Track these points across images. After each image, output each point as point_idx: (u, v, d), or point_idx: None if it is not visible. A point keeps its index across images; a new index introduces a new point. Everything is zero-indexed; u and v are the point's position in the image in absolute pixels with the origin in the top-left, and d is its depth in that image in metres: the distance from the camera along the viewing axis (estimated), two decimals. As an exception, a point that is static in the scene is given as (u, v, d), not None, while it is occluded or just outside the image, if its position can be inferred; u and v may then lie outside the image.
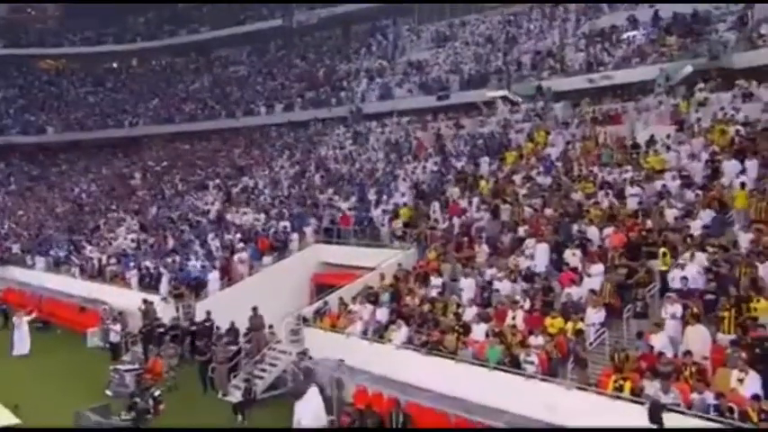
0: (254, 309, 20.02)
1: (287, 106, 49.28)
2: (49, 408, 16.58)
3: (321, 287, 25.10)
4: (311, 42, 61.90)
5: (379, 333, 17.11)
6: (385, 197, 26.68)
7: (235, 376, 18.16)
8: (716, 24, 32.29)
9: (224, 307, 22.26)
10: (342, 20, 58.36)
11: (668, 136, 23.80)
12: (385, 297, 18.54)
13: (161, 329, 21.08)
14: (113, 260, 28.87)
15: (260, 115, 50.71)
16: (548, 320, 14.83)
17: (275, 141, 45.10)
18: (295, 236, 25.70)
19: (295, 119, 47.51)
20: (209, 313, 21.49)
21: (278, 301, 23.79)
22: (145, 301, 22.53)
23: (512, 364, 13.82)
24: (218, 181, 38.80)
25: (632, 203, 19.61)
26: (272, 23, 60.75)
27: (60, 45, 68.61)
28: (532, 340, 14.36)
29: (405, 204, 25.56)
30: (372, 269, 22.84)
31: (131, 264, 27.33)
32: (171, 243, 29.10)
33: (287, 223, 26.89)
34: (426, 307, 17.29)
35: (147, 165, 49.80)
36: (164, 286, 24.26)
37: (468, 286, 17.19)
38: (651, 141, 24.14)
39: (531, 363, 13.53)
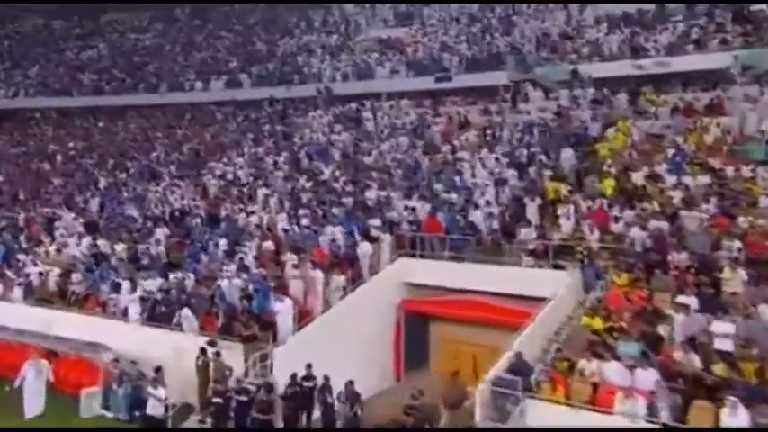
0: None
1: (229, 82, 40.94)
2: None
3: (414, 318, 18.65)
4: (232, 13, 53.50)
5: (674, 413, 11.03)
6: (477, 196, 20.47)
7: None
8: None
9: (301, 355, 15.32)
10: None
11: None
12: (631, 349, 12.46)
13: (243, 397, 13.47)
14: (77, 276, 20.07)
15: (192, 91, 41.87)
16: None
17: (225, 122, 37.01)
18: (366, 246, 18.78)
19: (242, 97, 39.50)
20: (310, 367, 14.33)
21: (359, 340, 17.22)
22: (204, 351, 14.63)
23: None
24: (172, 168, 30.32)
25: None
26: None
27: None
28: None
29: (507, 206, 19.76)
30: (502, 295, 17.01)
31: (120, 282, 18.78)
32: (155, 251, 20.80)
33: (339, 228, 19.84)
34: (720, 367, 11.52)
35: (46, 146, 39.28)
36: (188, 319, 16.31)
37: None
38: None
39: None
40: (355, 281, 18.12)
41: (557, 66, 31.47)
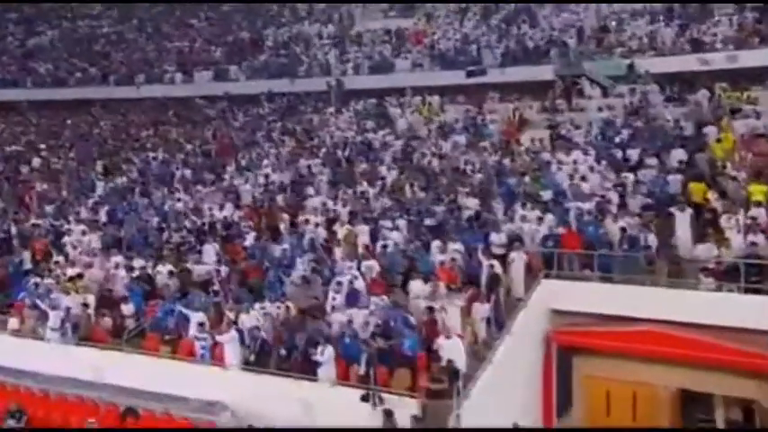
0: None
1: (217, 74, 36.64)
2: None
3: (569, 353, 15.49)
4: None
5: None
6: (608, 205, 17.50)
7: None
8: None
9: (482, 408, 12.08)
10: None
11: None
12: None
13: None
14: (129, 308, 15.67)
15: (173, 84, 37.25)
16: None
17: (223, 119, 32.77)
18: (498, 267, 15.47)
19: (236, 91, 35.36)
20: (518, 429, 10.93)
21: (512, 381, 14.03)
22: (390, 414, 10.85)
23: None
24: (183, 171, 25.91)
25: None
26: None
27: None
28: None
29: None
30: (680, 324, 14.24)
31: (189, 315, 14.66)
32: (224, 273, 16.69)
33: (457, 245, 16.41)
34: None
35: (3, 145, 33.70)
36: (329, 363, 12.52)
37: None
38: None
39: None
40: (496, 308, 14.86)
41: (606, 60, 29.19)
